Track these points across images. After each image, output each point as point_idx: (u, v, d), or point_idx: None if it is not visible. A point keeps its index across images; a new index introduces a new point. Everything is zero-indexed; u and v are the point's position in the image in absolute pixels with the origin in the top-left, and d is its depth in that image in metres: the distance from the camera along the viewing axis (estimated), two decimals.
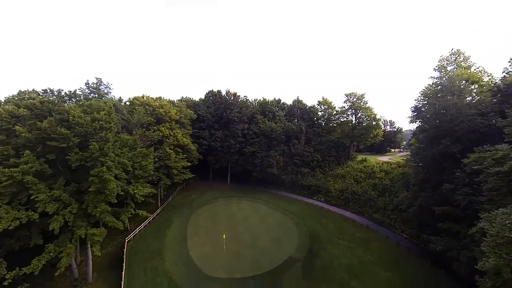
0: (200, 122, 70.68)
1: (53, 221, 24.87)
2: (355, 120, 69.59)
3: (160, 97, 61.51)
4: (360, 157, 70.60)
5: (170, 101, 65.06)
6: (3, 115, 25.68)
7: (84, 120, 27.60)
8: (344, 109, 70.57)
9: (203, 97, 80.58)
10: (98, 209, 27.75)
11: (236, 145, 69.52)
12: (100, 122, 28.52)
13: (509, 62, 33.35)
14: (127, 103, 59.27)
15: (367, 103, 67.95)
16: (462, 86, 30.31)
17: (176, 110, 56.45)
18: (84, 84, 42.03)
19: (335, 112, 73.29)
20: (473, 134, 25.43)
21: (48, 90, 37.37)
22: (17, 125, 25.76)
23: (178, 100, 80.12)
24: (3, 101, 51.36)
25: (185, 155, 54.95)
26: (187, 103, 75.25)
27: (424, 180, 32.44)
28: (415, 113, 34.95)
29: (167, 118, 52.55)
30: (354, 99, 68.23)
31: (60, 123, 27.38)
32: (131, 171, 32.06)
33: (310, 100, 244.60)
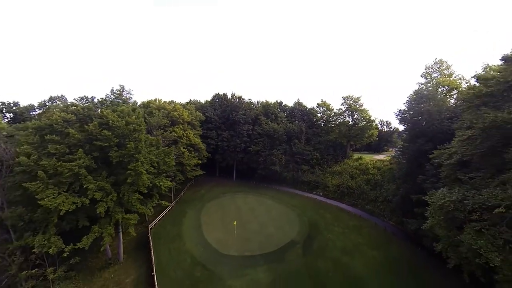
0: (208, 123, 76.42)
1: (99, 206, 30.57)
2: (352, 121, 75.15)
3: (172, 101, 67.25)
4: (356, 155, 76.11)
5: (182, 104, 70.72)
6: (58, 120, 31.37)
7: (121, 123, 33.35)
8: (341, 111, 76.27)
9: (207, 98, 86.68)
10: (133, 197, 33.55)
11: (241, 145, 75.21)
12: (133, 125, 34.24)
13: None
14: (139, 105, 64.94)
15: (362, 105, 73.62)
16: (435, 94, 35.74)
17: (188, 113, 62.16)
18: (109, 91, 47.81)
19: (333, 113, 78.90)
20: (441, 135, 30.94)
21: (84, 97, 43.23)
22: (69, 128, 31.50)
23: (187, 102, 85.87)
24: (36, 105, 57.51)
25: (196, 154, 60.63)
26: (195, 105, 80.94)
27: (406, 174, 37.98)
28: (399, 116, 40.46)
29: (181, 120, 58.32)
30: (351, 102, 73.86)
31: (101, 126, 33.13)
32: (156, 167, 37.82)
33: (311, 99, 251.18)
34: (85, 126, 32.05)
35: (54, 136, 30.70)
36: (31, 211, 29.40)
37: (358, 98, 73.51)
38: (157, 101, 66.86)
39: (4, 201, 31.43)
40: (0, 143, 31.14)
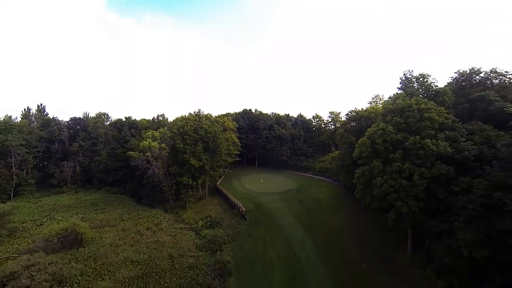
0: (240, 129, 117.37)
1: (206, 165, 72.02)
2: (334, 128, 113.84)
3: (221, 115, 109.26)
4: (337, 152, 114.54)
5: (224, 115, 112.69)
6: (188, 129, 72.83)
7: (213, 130, 74.73)
8: (328, 121, 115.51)
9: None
10: (217, 165, 75.08)
11: (261, 143, 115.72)
12: (218, 131, 75.64)
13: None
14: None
15: (341, 118, 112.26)
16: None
17: (232, 123, 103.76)
18: (192, 111, 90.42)
19: (323, 123, 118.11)
20: None
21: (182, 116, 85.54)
22: (192, 133, 72.97)
23: (224, 114, 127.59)
24: (138, 121, 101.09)
25: (236, 148, 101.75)
26: (232, 117, 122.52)
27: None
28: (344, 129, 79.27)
29: (228, 128, 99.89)
30: (334, 116, 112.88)
31: (204, 131, 74.55)
32: (226, 151, 79.18)
33: (307, 95, 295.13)
34: (199, 131, 73.52)
35: (195, 135, 72.50)
36: (180, 167, 71.00)
37: (338, 113, 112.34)
38: (208, 114, 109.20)
39: (165, 164, 73.62)
40: (168, 139, 73.66)
